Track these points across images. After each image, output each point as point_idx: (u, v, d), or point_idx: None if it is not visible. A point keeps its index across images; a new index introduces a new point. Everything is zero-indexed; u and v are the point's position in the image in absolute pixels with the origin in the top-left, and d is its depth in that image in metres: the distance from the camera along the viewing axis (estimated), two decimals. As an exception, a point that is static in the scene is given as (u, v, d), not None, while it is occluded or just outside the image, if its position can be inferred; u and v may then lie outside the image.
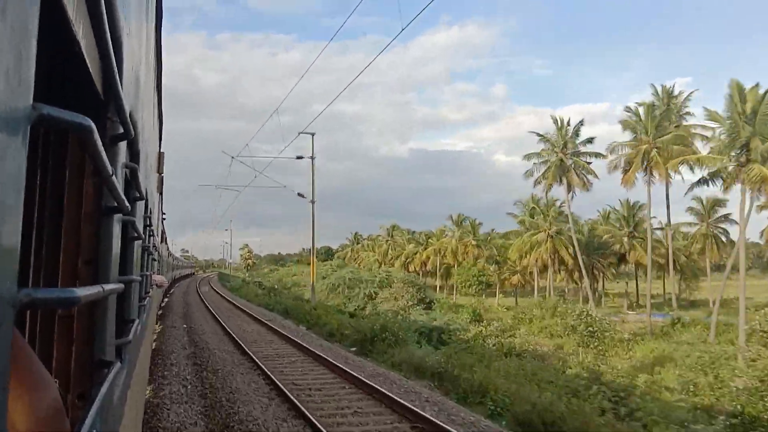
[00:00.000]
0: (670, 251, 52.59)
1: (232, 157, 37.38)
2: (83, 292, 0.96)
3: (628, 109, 49.52)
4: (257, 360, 14.24)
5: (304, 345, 16.69)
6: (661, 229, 59.02)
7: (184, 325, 22.83)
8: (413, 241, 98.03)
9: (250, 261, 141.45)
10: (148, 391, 10.18)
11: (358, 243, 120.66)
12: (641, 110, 47.56)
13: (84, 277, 1.82)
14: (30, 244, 1.93)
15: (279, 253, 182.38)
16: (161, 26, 5.13)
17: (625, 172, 47.61)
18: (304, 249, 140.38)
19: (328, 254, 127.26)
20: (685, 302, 66.22)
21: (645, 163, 45.91)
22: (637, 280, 71.28)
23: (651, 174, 46.34)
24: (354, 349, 18.74)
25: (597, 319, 39.92)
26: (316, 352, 15.44)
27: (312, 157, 35.11)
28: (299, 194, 36.08)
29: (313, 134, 34.84)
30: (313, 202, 35.08)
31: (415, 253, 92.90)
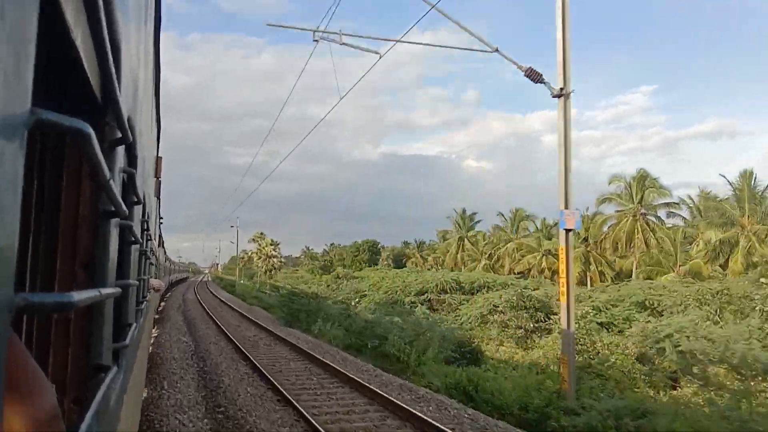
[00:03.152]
0: None
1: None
2: (80, 296, 0.96)
3: None
4: None
5: None
6: None
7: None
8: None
9: (275, 261, 76.85)
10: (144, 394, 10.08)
11: (468, 229, 68.12)
12: None
13: (81, 281, 1.82)
14: (27, 248, 1.93)
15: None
16: (160, 30, 5.13)
17: None
18: (308, 248, 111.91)
19: (373, 252, 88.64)
20: None
21: None
22: None
23: None
24: None
25: None
26: None
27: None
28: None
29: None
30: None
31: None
